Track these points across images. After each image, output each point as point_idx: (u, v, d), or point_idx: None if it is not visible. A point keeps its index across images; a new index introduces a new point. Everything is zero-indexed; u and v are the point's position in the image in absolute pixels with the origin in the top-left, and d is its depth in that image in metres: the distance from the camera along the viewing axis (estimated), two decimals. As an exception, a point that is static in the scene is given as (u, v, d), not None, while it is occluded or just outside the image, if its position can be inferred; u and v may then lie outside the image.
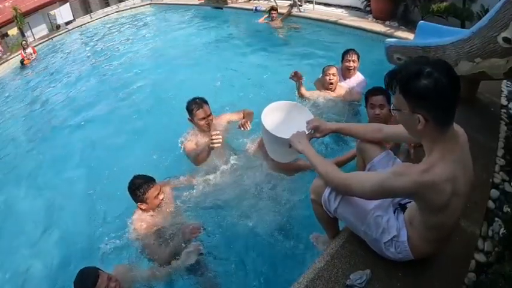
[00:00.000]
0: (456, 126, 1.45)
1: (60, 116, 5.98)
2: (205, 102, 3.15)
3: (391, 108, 1.47)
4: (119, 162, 3.96)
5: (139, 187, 2.51)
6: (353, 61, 3.95)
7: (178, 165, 3.32)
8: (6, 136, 5.86)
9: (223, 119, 3.42)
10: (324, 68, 3.95)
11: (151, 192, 2.52)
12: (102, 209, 3.35)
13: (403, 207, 1.73)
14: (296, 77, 3.73)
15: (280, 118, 2.49)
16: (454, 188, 1.39)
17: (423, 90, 1.29)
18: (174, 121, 3.97)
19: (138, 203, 2.56)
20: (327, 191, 1.77)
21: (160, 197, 2.61)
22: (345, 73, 4.04)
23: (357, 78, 4.06)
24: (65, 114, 5.98)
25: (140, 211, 2.60)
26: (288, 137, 2.04)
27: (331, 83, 3.83)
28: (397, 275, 1.75)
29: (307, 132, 2.08)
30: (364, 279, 1.70)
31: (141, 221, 2.56)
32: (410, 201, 1.76)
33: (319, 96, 3.90)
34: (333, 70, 3.83)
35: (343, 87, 3.98)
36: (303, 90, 3.84)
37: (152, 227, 2.56)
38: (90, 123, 5.37)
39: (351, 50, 4.00)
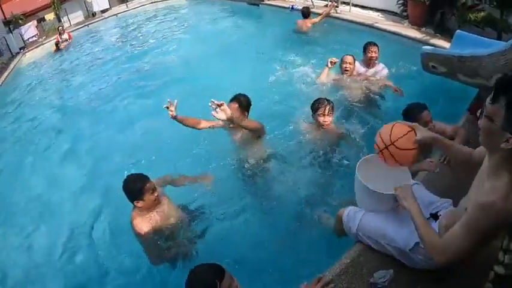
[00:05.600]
0: None
1: (89, 103, 6.21)
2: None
3: (483, 114, 1.39)
4: (142, 157, 4.15)
5: (134, 184, 2.54)
6: (374, 52, 4.55)
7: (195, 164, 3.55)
8: (37, 120, 6.14)
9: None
10: (342, 57, 4.54)
11: (147, 188, 2.55)
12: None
13: (434, 217, 1.80)
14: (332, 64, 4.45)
15: (373, 171, 2.13)
16: None
17: None
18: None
19: (134, 201, 2.58)
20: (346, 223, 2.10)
21: (156, 193, 2.64)
22: (368, 63, 4.66)
23: (379, 66, 4.68)
24: (94, 102, 6.22)
25: (137, 211, 2.65)
26: (392, 192, 1.86)
27: (347, 70, 4.48)
28: (418, 277, 1.85)
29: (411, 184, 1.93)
30: (387, 278, 1.81)
31: (141, 220, 2.63)
32: (441, 210, 1.84)
33: (338, 80, 4.54)
34: (350, 59, 4.48)
35: (363, 75, 4.60)
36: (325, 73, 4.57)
37: (151, 225, 2.64)
38: (118, 113, 5.60)
39: (371, 42, 4.63)
